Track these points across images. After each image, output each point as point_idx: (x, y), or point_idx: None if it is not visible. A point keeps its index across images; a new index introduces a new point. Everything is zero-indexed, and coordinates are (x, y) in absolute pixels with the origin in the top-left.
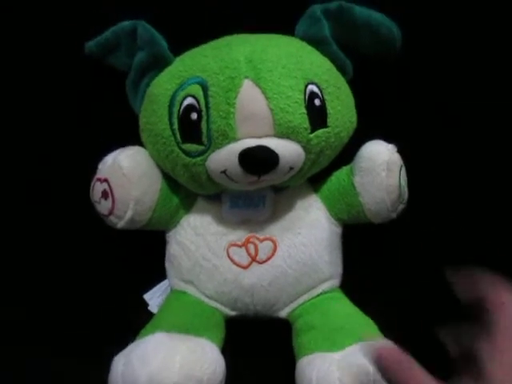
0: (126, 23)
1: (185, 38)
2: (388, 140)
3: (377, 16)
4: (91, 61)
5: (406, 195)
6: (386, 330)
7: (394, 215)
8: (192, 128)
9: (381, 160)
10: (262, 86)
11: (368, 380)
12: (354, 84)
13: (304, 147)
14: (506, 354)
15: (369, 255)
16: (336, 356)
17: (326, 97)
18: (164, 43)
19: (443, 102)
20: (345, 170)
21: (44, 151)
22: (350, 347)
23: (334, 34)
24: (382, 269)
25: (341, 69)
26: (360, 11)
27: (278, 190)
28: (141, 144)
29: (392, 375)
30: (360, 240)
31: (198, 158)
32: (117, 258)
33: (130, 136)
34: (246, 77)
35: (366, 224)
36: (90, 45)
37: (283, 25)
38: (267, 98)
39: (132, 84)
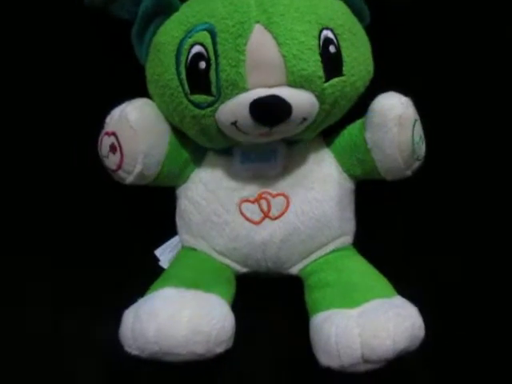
0: None
1: None
2: (407, 91)
3: None
4: (93, 12)
5: (421, 151)
6: (398, 288)
7: (408, 173)
8: (200, 78)
9: (393, 115)
10: (274, 31)
11: (388, 335)
12: (371, 31)
13: (318, 97)
14: None
15: (382, 212)
16: (354, 312)
17: (341, 43)
18: None
19: (465, 51)
20: (358, 124)
21: (52, 107)
22: (366, 303)
23: None
24: (395, 226)
25: (357, 14)
26: None
27: (290, 143)
28: (149, 97)
29: None
30: (373, 196)
31: (208, 110)
32: (129, 214)
33: (137, 89)
34: (257, 21)
35: (381, 180)
36: None
37: None
38: (279, 45)
39: (137, 33)
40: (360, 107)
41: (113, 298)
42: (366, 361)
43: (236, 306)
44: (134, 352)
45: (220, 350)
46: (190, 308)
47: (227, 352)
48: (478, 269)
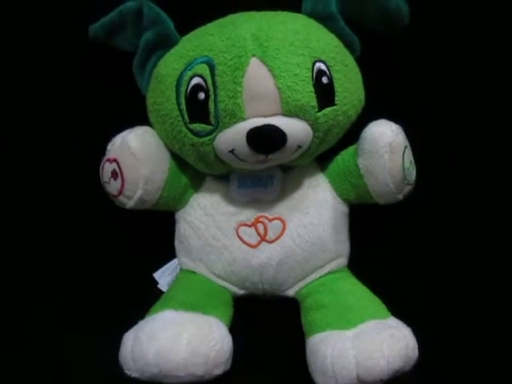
0: (131, 3)
1: (191, 18)
2: (398, 118)
3: None
4: (96, 43)
5: (412, 176)
6: (393, 309)
7: (400, 197)
8: (199, 108)
9: (383, 142)
10: (269, 64)
11: (382, 356)
12: (362, 61)
13: (312, 125)
14: None
15: (376, 235)
16: (349, 333)
17: (333, 74)
18: (170, 22)
19: (455, 78)
20: (350, 150)
21: (54, 136)
22: (361, 325)
23: (341, 9)
24: (390, 248)
25: (348, 46)
26: None
27: (286, 169)
28: (149, 125)
29: None
30: (367, 219)
31: (206, 138)
32: (128, 238)
33: (138, 117)
34: (253, 55)
35: (374, 204)
36: (95, 27)
37: (290, 2)
38: (274, 77)
39: (139, 64)
40: (354, 133)
41: (112, 320)
42: (361, 381)
43: (234, 328)
44: (134, 374)
45: (218, 371)
46: (188, 330)
47: (225, 374)
48: (473, 290)
